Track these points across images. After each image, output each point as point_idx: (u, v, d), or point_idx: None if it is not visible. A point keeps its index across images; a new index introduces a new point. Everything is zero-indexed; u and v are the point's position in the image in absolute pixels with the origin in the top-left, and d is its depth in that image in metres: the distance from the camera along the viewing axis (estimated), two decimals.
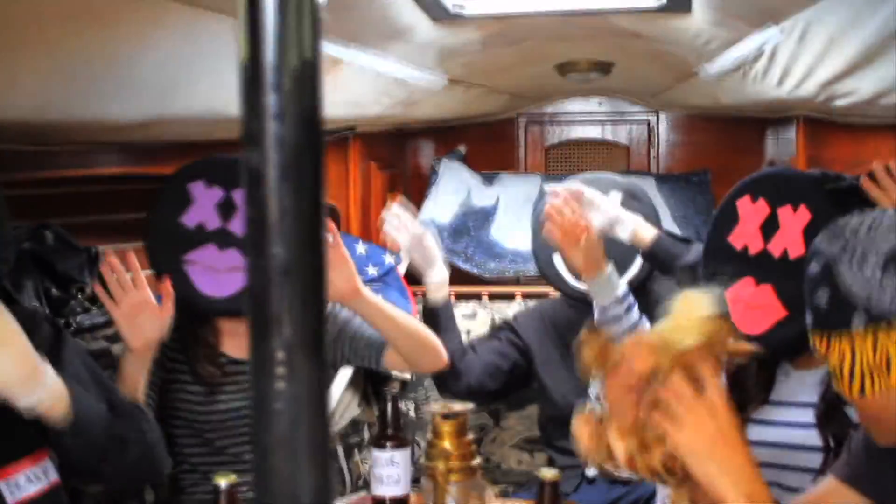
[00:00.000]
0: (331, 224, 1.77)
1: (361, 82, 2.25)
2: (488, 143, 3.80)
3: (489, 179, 3.55)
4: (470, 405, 1.49)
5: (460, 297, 2.99)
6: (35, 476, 1.46)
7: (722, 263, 1.76)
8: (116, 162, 2.16)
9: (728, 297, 1.68)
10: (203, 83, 1.76)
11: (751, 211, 1.73)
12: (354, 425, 2.69)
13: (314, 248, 0.50)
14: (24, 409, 1.35)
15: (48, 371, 1.37)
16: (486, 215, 3.38)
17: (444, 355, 2.07)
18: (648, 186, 3.08)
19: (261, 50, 0.48)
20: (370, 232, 3.14)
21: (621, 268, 2.32)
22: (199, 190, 1.93)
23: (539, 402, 2.66)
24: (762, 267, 1.69)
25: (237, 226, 1.89)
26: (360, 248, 2.87)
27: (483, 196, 3.45)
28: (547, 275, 2.52)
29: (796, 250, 1.64)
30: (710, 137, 3.68)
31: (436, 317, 2.29)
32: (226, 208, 1.91)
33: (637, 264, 2.42)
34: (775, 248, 1.68)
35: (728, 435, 1.13)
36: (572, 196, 2.20)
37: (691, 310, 1.20)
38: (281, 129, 0.49)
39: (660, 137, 3.76)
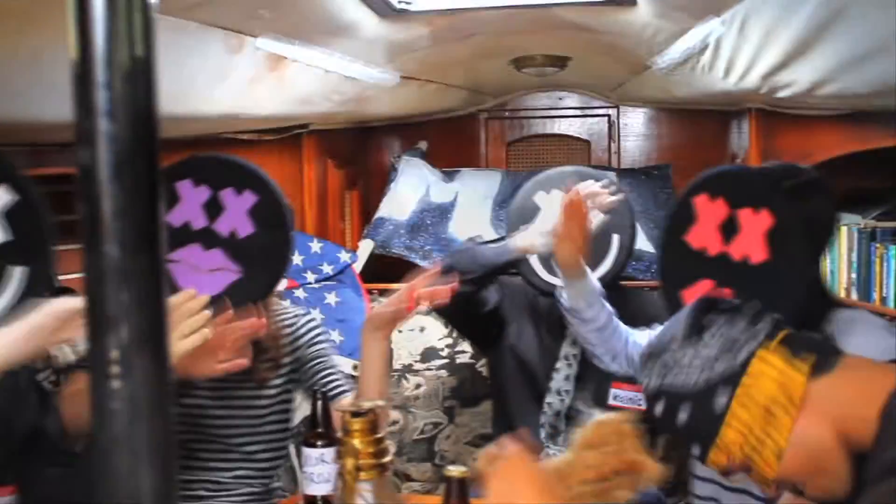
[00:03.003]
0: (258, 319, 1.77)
1: (308, 79, 2.23)
2: (450, 139, 3.79)
3: (449, 176, 3.53)
4: (380, 402, 1.49)
5: None
6: None
7: (678, 262, 1.74)
8: (62, 162, 2.15)
9: (686, 298, 1.66)
10: None
11: (709, 210, 1.71)
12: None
13: (150, 248, 0.49)
14: None
15: None
16: (443, 212, 3.35)
17: None
18: None
19: (90, 47, 0.48)
20: (326, 230, 3.12)
21: (593, 265, 2.30)
22: (186, 189, 1.92)
23: (493, 393, 2.65)
24: (722, 270, 1.66)
25: (222, 226, 1.89)
26: (316, 246, 2.87)
27: (441, 192, 3.43)
28: (519, 268, 2.50)
29: (758, 255, 1.62)
30: (671, 132, 3.70)
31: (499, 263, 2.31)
32: (212, 208, 1.91)
33: (609, 261, 2.41)
34: (735, 251, 1.66)
35: None
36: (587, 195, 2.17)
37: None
38: (112, 127, 0.48)
39: (620, 132, 3.77)
